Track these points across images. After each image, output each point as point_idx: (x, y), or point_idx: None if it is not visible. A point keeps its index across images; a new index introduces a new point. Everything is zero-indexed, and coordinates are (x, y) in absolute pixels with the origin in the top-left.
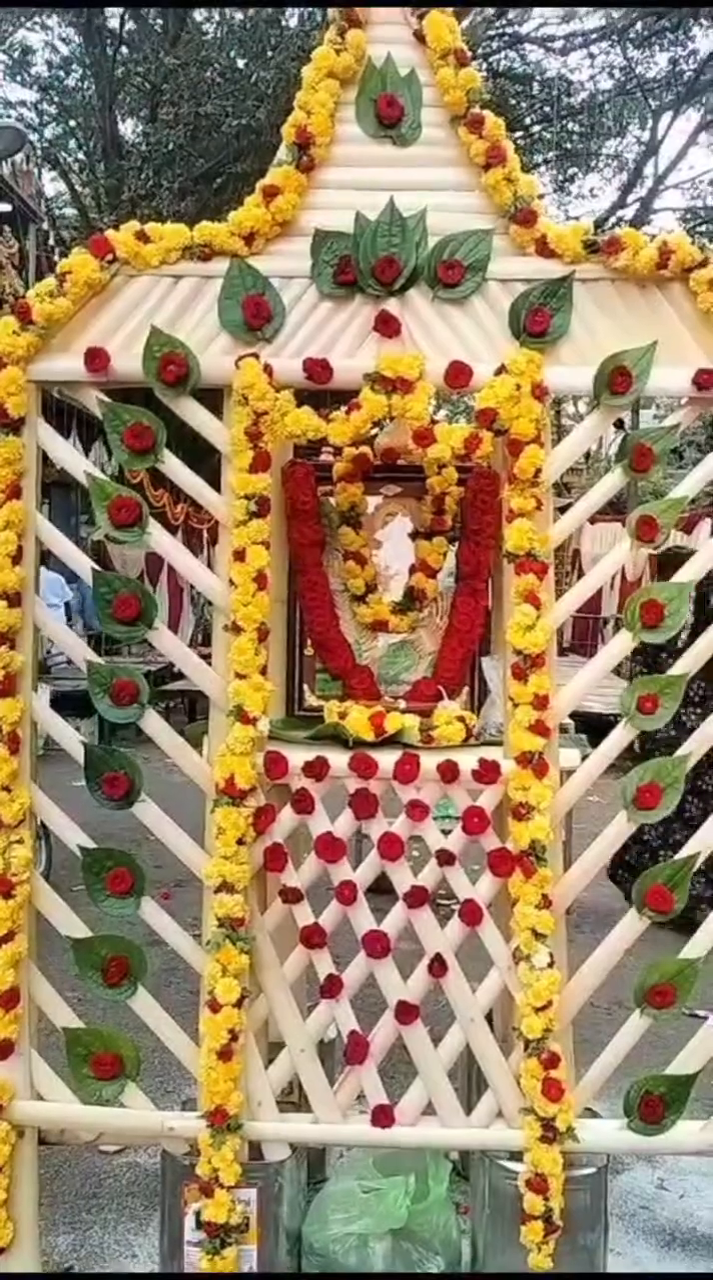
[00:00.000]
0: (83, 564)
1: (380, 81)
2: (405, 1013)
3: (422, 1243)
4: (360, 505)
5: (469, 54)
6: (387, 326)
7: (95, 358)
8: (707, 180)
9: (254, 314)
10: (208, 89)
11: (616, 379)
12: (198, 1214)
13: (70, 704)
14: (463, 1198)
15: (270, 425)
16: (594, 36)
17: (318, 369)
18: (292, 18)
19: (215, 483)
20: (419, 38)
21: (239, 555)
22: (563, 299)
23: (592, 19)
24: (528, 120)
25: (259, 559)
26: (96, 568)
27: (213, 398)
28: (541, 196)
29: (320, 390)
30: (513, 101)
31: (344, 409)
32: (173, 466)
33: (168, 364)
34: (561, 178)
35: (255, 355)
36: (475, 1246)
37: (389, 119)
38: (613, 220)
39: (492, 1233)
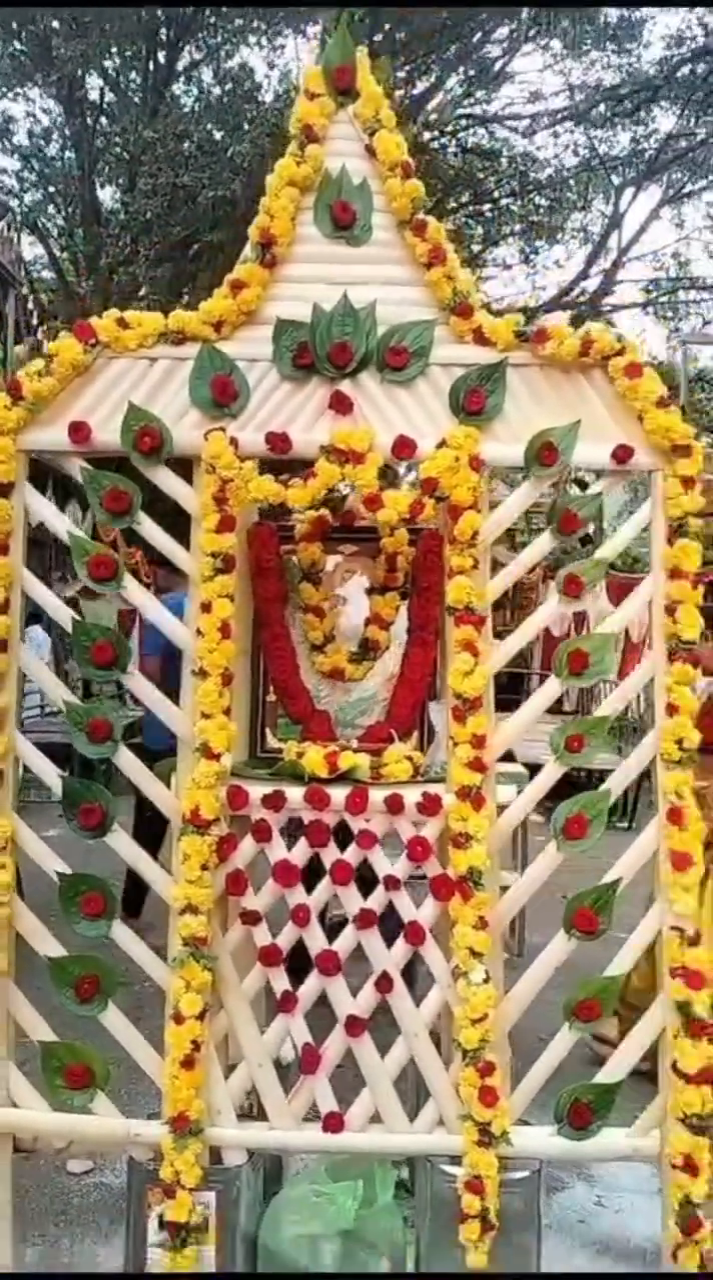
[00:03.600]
0: (64, 615)
1: (336, 189)
2: (354, 1026)
3: (369, 1245)
4: (320, 563)
5: (413, 167)
6: (340, 405)
7: (78, 430)
8: (669, 253)
9: (222, 392)
10: (185, 161)
11: (544, 453)
12: (161, 1216)
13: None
14: (410, 1212)
15: (236, 491)
16: (559, 117)
17: (279, 441)
18: (267, 94)
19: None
20: (370, 151)
21: (206, 607)
22: (497, 382)
23: (556, 100)
24: (496, 194)
25: (224, 610)
26: (76, 617)
27: (183, 467)
28: (508, 267)
29: (283, 461)
30: (481, 176)
31: (301, 477)
32: (148, 527)
33: (143, 436)
34: (528, 249)
35: (222, 429)
36: (419, 1249)
37: (343, 222)
38: (578, 290)
39: (434, 1233)
